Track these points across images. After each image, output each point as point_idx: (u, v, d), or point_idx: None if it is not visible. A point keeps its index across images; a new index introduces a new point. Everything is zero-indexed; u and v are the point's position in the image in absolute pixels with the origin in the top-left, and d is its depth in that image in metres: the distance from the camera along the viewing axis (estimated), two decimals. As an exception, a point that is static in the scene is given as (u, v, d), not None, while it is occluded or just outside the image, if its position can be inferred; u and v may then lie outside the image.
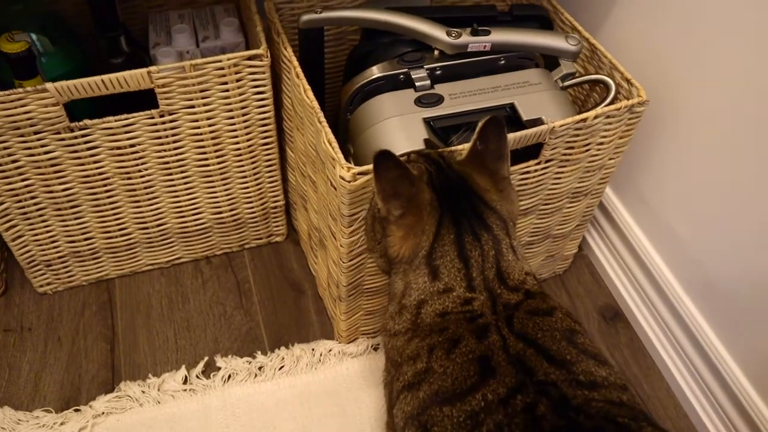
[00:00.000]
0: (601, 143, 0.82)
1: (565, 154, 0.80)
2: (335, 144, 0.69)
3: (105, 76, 0.77)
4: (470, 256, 0.61)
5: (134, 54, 0.90)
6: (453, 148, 0.69)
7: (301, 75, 0.77)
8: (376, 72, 0.79)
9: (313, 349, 0.95)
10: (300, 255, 1.07)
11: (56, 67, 0.90)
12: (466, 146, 0.68)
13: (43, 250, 0.94)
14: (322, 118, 0.72)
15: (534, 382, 0.54)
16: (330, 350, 0.95)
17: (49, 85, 0.75)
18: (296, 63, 0.78)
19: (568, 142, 0.79)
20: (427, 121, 0.74)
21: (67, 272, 0.99)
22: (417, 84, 0.77)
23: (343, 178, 0.68)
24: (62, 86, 0.76)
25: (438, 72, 0.79)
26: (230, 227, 1.02)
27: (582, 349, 0.58)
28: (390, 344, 0.65)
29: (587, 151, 0.82)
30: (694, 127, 0.86)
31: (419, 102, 0.76)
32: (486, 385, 0.54)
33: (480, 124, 0.64)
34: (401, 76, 0.79)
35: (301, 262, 1.06)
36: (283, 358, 0.94)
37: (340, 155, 0.68)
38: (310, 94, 0.75)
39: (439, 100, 0.76)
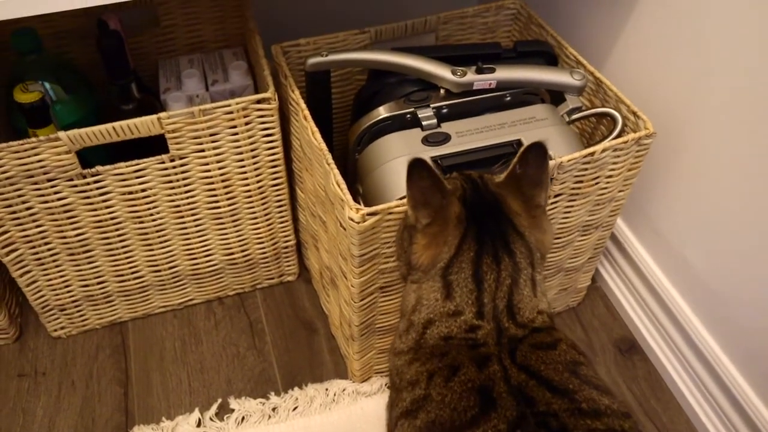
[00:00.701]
0: (610, 176, 0.82)
1: (574, 188, 0.80)
2: (344, 185, 0.70)
3: (116, 124, 0.78)
4: (485, 279, 0.61)
5: (145, 100, 0.92)
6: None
7: (309, 117, 0.78)
8: (382, 112, 0.80)
9: (326, 389, 0.94)
10: (312, 294, 1.07)
11: (69, 114, 0.92)
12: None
13: (57, 294, 0.94)
14: (330, 160, 0.73)
15: (535, 414, 0.53)
16: (344, 390, 0.94)
17: (61, 134, 0.77)
18: (303, 105, 0.79)
19: (576, 176, 0.79)
20: (435, 160, 0.75)
21: (80, 316, 0.99)
22: (424, 123, 0.78)
23: (352, 219, 0.68)
24: (74, 135, 0.77)
25: (444, 110, 0.80)
26: (242, 268, 1.03)
27: (585, 380, 0.57)
28: (392, 363, 0.65)
29: (596, 184, 0.82)
30: (704, 156, 0.86)
31: (426, 141, 0.76)
32: (487, 420, 0.53)
33: (522, 148, 0.64)
34: (408, 116, 0.79)
35: (314, 301, 1.06)
36: (296, 399, 0.93)
37: (349, 196, 0.69)
38: (318, 136, 0.76)
39: (446, 138, 0.76)
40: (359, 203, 0.79)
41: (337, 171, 0.71)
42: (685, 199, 0.90)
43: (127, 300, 1.00)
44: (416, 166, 0.60)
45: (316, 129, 0.76)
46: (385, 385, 0.95)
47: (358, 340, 0.86)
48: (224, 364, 0.98)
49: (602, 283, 1.09)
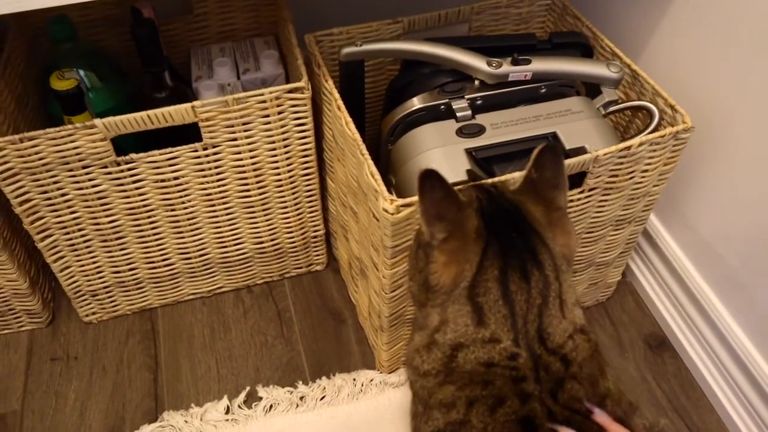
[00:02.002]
0: (646, 171, 0.81)
1: (608, 183, 0.79)
2: (378, 176, 0.69)
3: (150, 112, 0.78)
4: (516, 300, 0.56)
5: (177, 88, 0.92)
6: (499, 178, 0.69)
7: (342, 107, 0.78)
8: (416, 103, 0.79)
9: (354, 379, 0.95)
10: (340, 284, 1.07)
11: (103, 102, 0.93)
12: (517, 175, 0.67)
13: (90, 280, 0.95)
14: (364, 150, 0.73)
15: None
16: (371, 380, 0.95)
17: (97, 121, 0.77)
18: (337, 95, 0.79)
19: (611, 170, 0.78)
20: (470, 152, 0.74)
21: (111, 302, 1.00)
22: (458, 114, 0.77)
23: (386, 210, 0.68)
24: (110, 122, 0.77)
25: (479, 102, 0.79)
26: (271, 256, 1.03)
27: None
28: (418, 383, 0.61)
29: (631, 179, 0.81)
30: (741, 152, 0.84)
31: (461, 132, 0.76)
32: None
33: (535, 151, 0.61)
34: (442, 107, 0.79)
35: (342, 291, 1.06)
36: (324, 388, 0.94)
37: (383, 187, 0.68)
38: (352, 126, 0.75)
39: (480, 130, 0.76)
40: (392, 194, 0.79)
41: (371, 161, 0.71)
42: (720, 195, 0.89)
43: (157, 286, 1.01)
44: (427, 178, 0.57)
45: (349, 119, 0.76)
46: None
47: (387, 331, 0.86)
48: (252, 352, 0.98)
49: (632, 278, 1.08)
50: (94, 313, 1.01)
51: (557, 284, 0.57)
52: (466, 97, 0.79)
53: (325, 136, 0.91)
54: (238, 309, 1.04)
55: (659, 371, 0.97)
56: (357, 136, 0.74)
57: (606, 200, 0.82)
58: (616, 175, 0.79)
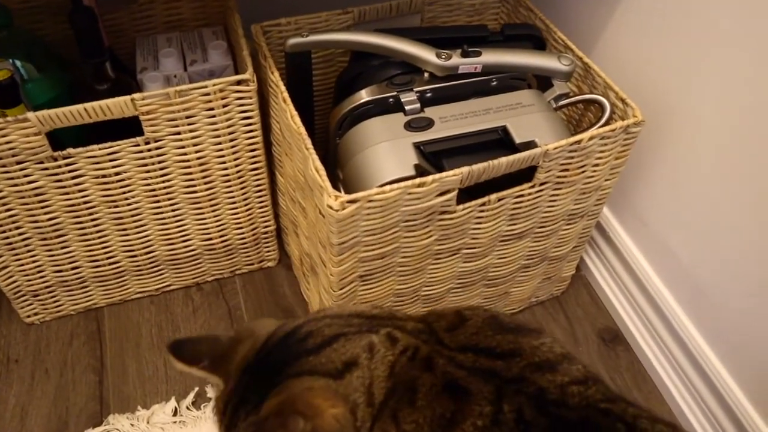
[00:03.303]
0: (597, 165, 0.80)
1: (559, 177, 0.78)
2: (323, 171, 0.67)
3: (87, 105, 0.75)
4: None
5: (120, 79, 0.88)
6: (446, 173, 0.67)
7: (288, 100, 0.75)
8: (364, 96, 0.77)
9: (306, 378, 0.92)
10: (292, 280, 1.05)
11: (42, 93, 0.88)
12: (465, 170, 0.66)
13: (30, 280, 0.91)
14: (309, 145, 0.70)
15: (505, 382, 0.49)
16: (323, 378, 0.92)
17: (30, 115, 0.73)
18: (283, 88, 0.76)
19: (562, 164, 0.76)
20: (418, 146, 0.72)
21: (54, 302, 0.96)
22: (406, 108, 0.75)
23: (331, 207, 0.65)
24: (44, 116, 0.74)
25: (428, 95, 0.77)
26: (221, 253, 1.00)
27: (512, 331, 0.54)
28: None
29: (582, 173, 0.80)
30: (692, 145, 0.84)
31: (409, 126, 0.74)
32: (470, 410, 0.48)
33: None
34: (390, 100, 0.77)
35: (294, 288, 1.04)
36: (275, 388, 0.91)
37: (328, 183, 0.66)
38: (297, 119, 0.73)
39: (429, 123, 0.74)
40: (340, 189, 0.77)
41: (315, 156, 0.69)
42: (671, 188, 0.89)
43: (102, 285, 0.97)
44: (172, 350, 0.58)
45: (295, 112, 0.74)
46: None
47: None
48: (202, 351, 0.95)
49: (587, 271, 1.08)
50: (36, 314, 0.97)
51: None
52: (415, 89, 0.77)
53: (272, 129, 0.89)
54: (188, 307, 1.01)
55: (612, 365, 0.97)
56: (302, 129, 0.72)
57: (557, 195, 0.81)
58: (567, 170, 0.78)
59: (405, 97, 0.76)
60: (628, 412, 0.48)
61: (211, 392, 0.91)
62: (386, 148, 0.72)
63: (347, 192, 0.75)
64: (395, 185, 0.66)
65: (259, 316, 1.00)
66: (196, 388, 0.91)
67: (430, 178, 0.67)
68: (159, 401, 0.90)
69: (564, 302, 1.04)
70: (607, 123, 0.83)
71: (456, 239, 0.78)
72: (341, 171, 0.77)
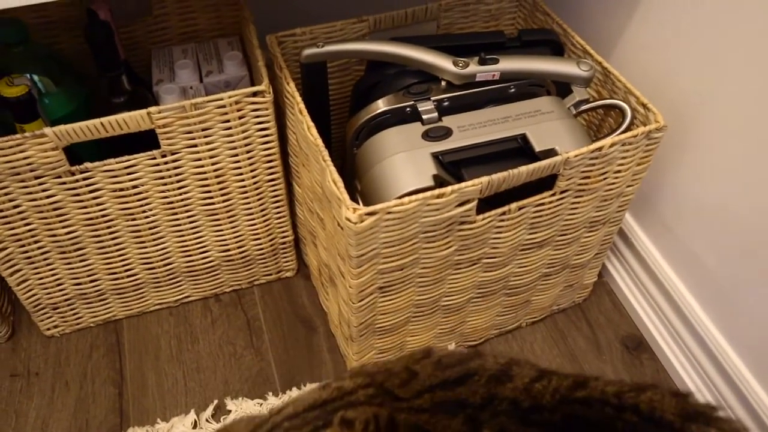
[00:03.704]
0: (618, 171, 0.79)
1: (580, 184, 0.77)
2: (340, 183, 0.66)
3: (104, 119, 0.74)
4: None
5: (136, 92, 0.88)
6: (465, 184, 0.66)
7: (305, 111, 0.74)
8: (381, 106, 0.76)
9: (325, 389, 0.91)
10: (311, 290, 1.04)
11: (59, 107, 0.88)
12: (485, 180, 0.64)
13: (49, 293, 0.91)
14: (327, 157, 0.69)
15: (477, 408, 0.46)
16: (343, 390, 0.91)
17: (47, 130, 0.73)
18: (299, 99, 0.76)
19: (583, 172, 0.75)
20: (436, 156, 0.71)
21: (74, 314, 0.96)
22: (424, 117, 0.74)
23: (349, 220, 0.64)
24: (61, 131, 0.73)
25: (446, 103, 0.76)
26: (239, 264, 0.99)
27: (458, 362, 0.52)
28: None
29: (604, 179, 0.78)
30: (716, 150, 0.82)
31: (427, 136, 0.73)
32: None
33: None
34: (407, 109, 0.76)
35: (312, 298, 1.03)
36: (294, 400, 0.90)
37: (346, 195, 0.65)
38: (314, 131, 0.72)
39: (447, 133, 0.73)
40: (357, 200, 0.76)
41: (333, 168, 0.68)
42: (695, 193, 0.87)
43: (121, 298, 0.97)
44: None
45: (311, 124, 0.73)
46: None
47: (357, 341, 0.83)
48: (221, 363, 0.95)
49: (609, 278, 1.06)
50: (55, 327, 0.97)
51: None
52: (432, 98, 0.75)
53: (289, 140, 0.88)
54: (206, 318, 1.00)
55: (637, 372, 0.95)
56: (319, 141, 0.71)
57: (578, 202, 0.79)
58: (588, 177, 0.76)
59: (422, 107, 0.75)
60: (608, 391, 0.45)
61: (230, 404, 0.90)
62: (404, 159, 0.71)
63: (365, 203, 0.74)
64: (414, 197, 0.65)
65: (277, 326, 0.99)
66: (216, 401, 0.90)
67: (449, 188, 0.66)
68: (178, 413, 0.89)
69: (586, 310, 1.02)
70: (628, 128, 0.81)
71: (476, 249, 0.77)
72: (359, 182, 0.76)
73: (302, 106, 0.75)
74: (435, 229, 0.71)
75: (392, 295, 0.78)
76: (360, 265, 0.70)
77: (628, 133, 0.74)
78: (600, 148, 0.73)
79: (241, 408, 0.90)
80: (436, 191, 0.66)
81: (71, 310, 0.95)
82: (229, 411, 0.89)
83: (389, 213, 0.65)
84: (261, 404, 0.90)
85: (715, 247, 0.85)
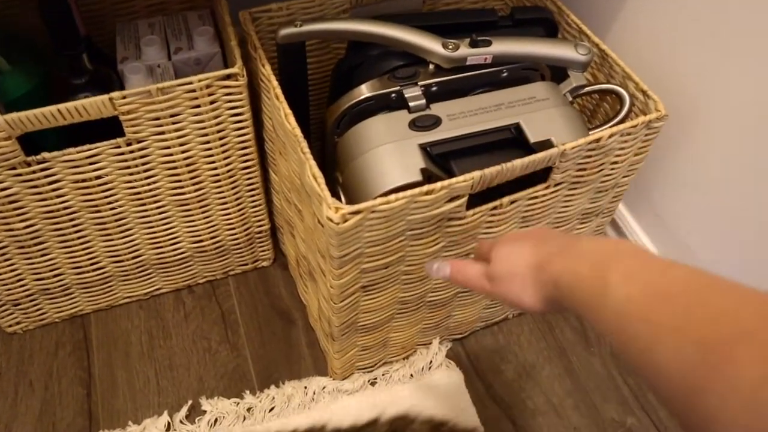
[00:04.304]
0: (615, 162, 0.74)
1: (576, 176, 0.72)
2: (321, 179, 0.60)
3: (62, 106, 0.67)
4: None
5: (99, 72, 0.80)
6: (455, 179, 0.60)
7: (282, 97, 0.68)
8: (364, 91, 0.70)
9: (305, 387, 0.87)
10: (288, 280, 0.99)
11: (15, 87, 0.80)
12: (466, 177, 0.59)
13: (9, 288, 0.85)
14: (306, 148, 0.63)
15: None
16: (323, 387, 0.87)
17: (-3, 118, 0.66)
18: (275, 83, 0.69)
19: (579, 164, 0.70)
20: (424, 147, 0.65)
21: (37, 310, 0.90)
22: (411, 104, 0.68)
23: (331, 219, 0.59)
24: (13, 119, 0.66)
25: (434, 89, 0.70)
26: (212, 255, 0.93)
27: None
28: None
29: (600, 171, 0.73)
30: (714, 141, 0.77)
31: (414, 125, 0.66)
32: None
33: None
34: (393, 95, 0.69)
35: (290, 289, 0.98)
36: (273, 398, 0.85)
37: (327, 193, 0.59)
38: (292, 119, 0.66)
39: (436, 122, 0.67)
40: (339, 194, 0.70)
41: (313, 162, 0.62)
42: (691, 184, 0.82)
43: (87, 292, 0.90)
44: None
45: (289, 111, 0.66)
46: (368, 382, 0.88)
47: (339, 340, 0.78)
48: (195, 360, 0.89)
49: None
50: (18, 323, 0.90)
51: None
52: (420, 83, 0.69)
53: (265, 125, 0.81)
54: (179, 312, 0.94)
55: (626, 366, 0.91)
56: (297, 131, 0.64)
57: (573, 194, 0.75)
58: (584, 169, 0.71)
59: (409, 93, 0.69)
60: None
61: (206, 404, 0.85)
62: (390, 151, 0.65)
63: (347, 197, 0.69)
64: (401, 194, 0.59)
65: (254, 319, 0.94)
66: (190, 401, 0.85)
67: (438, 184, 0.60)
68: (151, 415, 0.84)
69: (575, 300, 0.98)
70: (626, 117, 0.76)
71: (465, 245, 0.72)
72: (340, 174, 0.70)
73: (279, 91, 0.68)
74: (422, 227, 0.65)
75: (376, 293, 0.73)
76: (342, 265, 0.65)
77: (628, 124, 0.69)
78: (598, 140, 0.68)
79: (217, 408, 0.84)
80: (425, 188, 0.60)
81: (34, 305, 0.89)
82: (204, 411, 0.84)
83: (374, 212, 0.59)
84: (237, 403, 0.85)
85: (708, 239, 0.81)
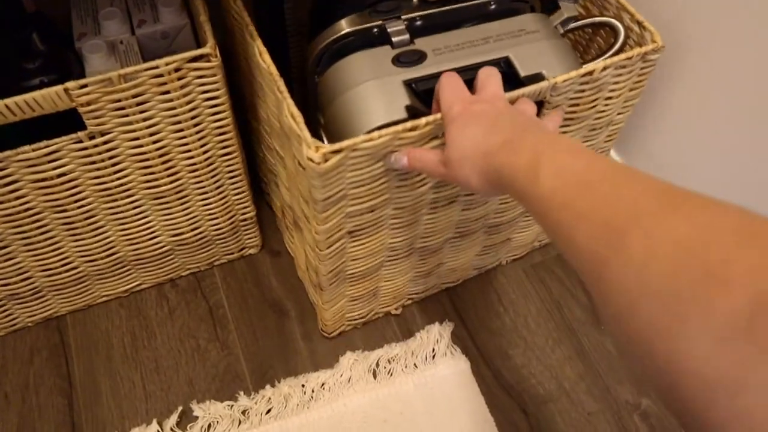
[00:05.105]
0: (609, 98, 0.67)
1: (569, 112, 0.65)
2: (300, 118, 0.54)
3: (9, 101, 0.58)
4: None
5: (53, 53, 0.73)
6: (439, 115, 0.54)
7: (255, 34, 0.62)
8: (344, 26, 0.63)
9: (303, 385, 0.78)
10: (279, 268, 0.90)
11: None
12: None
13: (-28, 297, 0.76)
14: (283, 87, 0.57)
15: None
16: (323, 384, 0.79)
17: (-64, 113, 0.58)
18: (248, 20, 0.63)
19: (572, 98, 0.64)
20: (409, 84, 0.59)
21: (6, 316, 0.81)
22: (394, 39, 0.61)
23: (311, 160, 0.53)
24: (-46, 114, 0.58)
25: (418, 23, 0.63)
26: (195, 247, 0.85)
27: None
28: None
29: (593, 107, 0.67)
30: (711, 77, 0.71)
31: (398, 61, 0.60)
32: None
33: None
34: (375, 30, 0.63)
35: (281, 277, 0.89)
36: (269, 400, 0.77)
37: (306, 132, 0.53)
38: (267, 57, 0.59)
39: (421, 57, 0.60)
40: (321, 135, 0.64)
41: (291, 101, 0.55)
42: (685, 126, 0.76)
43: (61, 293, 0.82)
44: None
45: (264, 49, 0.60)
46: (369, 372, 0.80)
47: (327, 290, 0.73)
48: (183, 360, 0.81)
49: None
50: (-13, 332, 0.82)
51: None
52: (403, 17, 0.63)
53: (241, 67, 0.74)
54: (163, 309, 0.86)
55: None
56: (273, 69, 0.58)
57: (565, 131, 0.68)
58: (577, 104, 0.65)
59: (392, 27, 0.62)
60: None
61: (197, 409, 0.76)
62: (373, 88, 0.58)
63: (330, 139, 0.63)
64: (384, 131, 0.54)
65: (244, 313, 0.85)
66: (180, 407, 0.76)
67: (423, 120, 0.55)
68: (139, 423, 0.75)
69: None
70: (620, 50, 0.69)
71: (453, 186, 0.67)
72: (322, 115, 0.64)
73: (252, 28, 0.62)
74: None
75: (363, 239, 0.68)
76: (326, 209, 0.60)
77: (622, 55, 0.63)
78: (591, 72, 0.61)
79: (210, 413, 0.76)
80: (409, 124, 0.55)
81: (3, 312, 0.80)
82: (196, 417, 0.76)
83: (356, 150, 0.54)
84: (231, 406, 0.77)
85: (704, 183, 0.75)
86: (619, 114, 0.72)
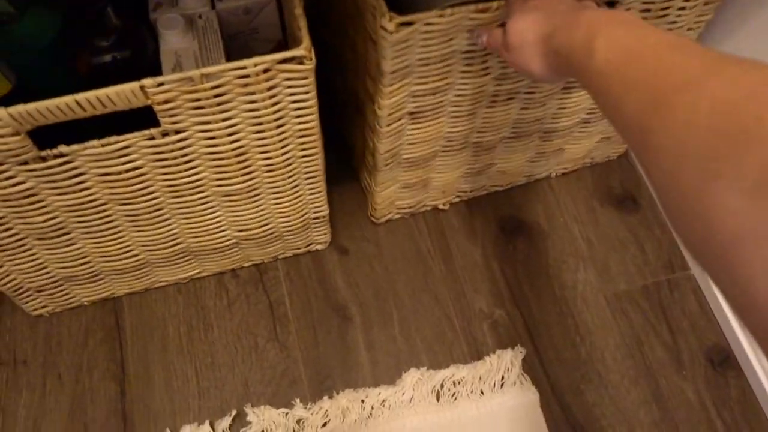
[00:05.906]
0: (682, 8, 0.66)
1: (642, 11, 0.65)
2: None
3: (81, 96, 0.50)
4: None
5: (127, 29, 0.63)
6: None
7: None
8: None
9: (362, 401, 0.75)
10: (345, 267, 0.84)
11: (28, 41, 0.63)
12: None
13: (29, 277, 0.71)
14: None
15: None
16: (383, 402, 0.75)
17: (1, 112, 0.49)
18: None
19: (644, 2, 0.63)
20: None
21: (63, 294, 0.77)
22: None
23: (384, 29, 0.54)
24: (21, 113, 0.50)
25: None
26: (261, 241, 0.78)
27: None
28: None
29: (665, 16, 0.66)
30: None
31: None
32: None
33: None
34: None
35: (348, 278, 0.83)
36: (326, 413, 0.74)
37: (382, 2, 0.54)
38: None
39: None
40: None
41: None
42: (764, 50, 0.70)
43: (119, 277, 0.77)
44: None
45: None
46: (432, 393, 0.75)
47: (382, 171, 0.75)
48: (239, 358, 0.77)
49: (696, 270, 0.85)
50: (43, 306, 0.78)
51: None
52: None
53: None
54: (222, 300, 0.81)
55: (720, 395, 0.78)
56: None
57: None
58: (649, 10, 0.64)
59: None
60: None
61: (251, 413, 0.73)
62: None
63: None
64: (456, 8, 0.55)
65: (306, 313, 0.80)
66: (234, 410, 0.74)
67: (495, 3, 0.56)
68: (190, 420, 0.73)
69: (668, 309, 0.83)
70: None
71: (515, 79, 0.67)
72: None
73: None
74: (475, 49, 0.61)
75: (422, 123, 0.69)
76: (392, 82, 0.61)
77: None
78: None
79: (264, 419, 0.73)
80: (480, 5, 0.56)
81: (60, 291, 0.76)
82: (250, 422, 0.73)
83: (428, 24, 0.56)
84: (287, 414, 0.74)
85: None
86: (689, 29, 0.70)
